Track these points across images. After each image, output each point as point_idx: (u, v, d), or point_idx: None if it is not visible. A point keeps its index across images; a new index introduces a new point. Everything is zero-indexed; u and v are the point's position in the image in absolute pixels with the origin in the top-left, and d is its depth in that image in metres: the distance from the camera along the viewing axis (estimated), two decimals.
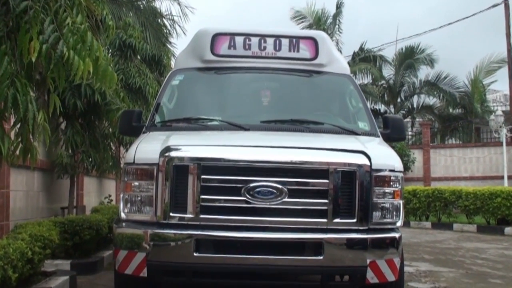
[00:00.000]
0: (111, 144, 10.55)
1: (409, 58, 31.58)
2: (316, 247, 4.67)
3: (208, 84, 6.51)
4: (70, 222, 7.55)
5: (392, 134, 6.02)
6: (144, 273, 4.68)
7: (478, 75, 30.43)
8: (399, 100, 33.08)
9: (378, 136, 5.85)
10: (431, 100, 33.15)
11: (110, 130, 10.10)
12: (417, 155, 27.04)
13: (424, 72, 32.12)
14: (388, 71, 33.46)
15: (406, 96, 33.04)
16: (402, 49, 32.17)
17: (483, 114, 30.06)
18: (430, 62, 31.83)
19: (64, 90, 8.51)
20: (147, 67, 13.63)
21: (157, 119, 5.95)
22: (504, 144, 24.74)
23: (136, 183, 4.81)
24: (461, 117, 31.95)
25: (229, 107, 6.27)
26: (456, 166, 27.01)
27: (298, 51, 6.44)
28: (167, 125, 5.81)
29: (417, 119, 33.03)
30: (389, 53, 33.51)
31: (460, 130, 32.02)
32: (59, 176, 9.15)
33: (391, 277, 4.83)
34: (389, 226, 4.93)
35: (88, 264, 7.59)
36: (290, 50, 6.43)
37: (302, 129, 5.63)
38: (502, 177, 24.06)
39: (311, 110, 6.27)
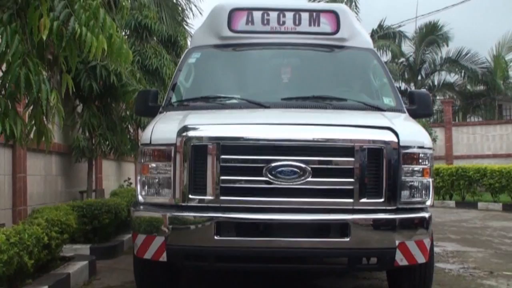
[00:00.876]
0: (129, 126, 10.41)
1: (431, 34, 31.00)
2: (342, 228, 4.45)
3: (226, 62, 6.29)
4: (89, 206, 7.41)
5: (419, 110, 5.77)
6: (163, 257, 4.51)
7: (500, 50, 29.83)
8: (419, 77, 32.60)
9: (404, 112, 5.60)
10: (452, 78, 32.66)
11: (128, 112, 9.94)
12: (438, 133, 26.60)
13: (444, 49, 31.57)
14: (407, 49, 32.97)
15: (427, 74, 32.55)
16: (423, 25, 31.61)
17: (506, 90, 29.51)
18: (446, 39, 31.22)
19: (80, 72, 8.41)
20: (163, 48, 13.43)
21: (174, 98, 5.75)
22: None
23: (153, 165, 4.63)
24: (483, 94, 31.42)
25: (248, 84, 6.06)
26: (479, 144, 26.59)
27: (318, 25, 6.19)
28: (184, 105, 5.60)
29: (437, 97, 32.55)
30: (409, 31, 32.75)
31: (482, 108, 31.50)
32: (77, 159, 9.00)
33: (421, 259, 4.62)
34: (418, 206, 4.70)
35: (107, 248, 7.46)
36: (310, 25, 6.18)
37: (325, 106, 5.40)
38: None
39: (334, 86, 6.03)
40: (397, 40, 32.48)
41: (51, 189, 8.47)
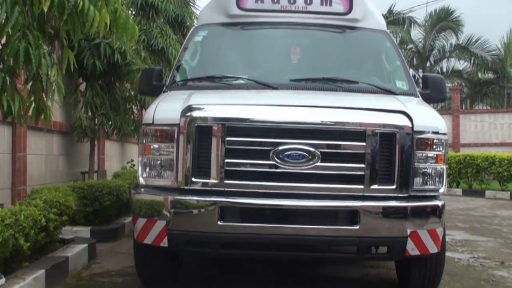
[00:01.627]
0: (133, 107, 10.21)
1: (443, 20, 30.56)
2: (352, 215, 4.27)
3: (233, 41, 6.06)
4: (90, 187, 7.23)
5: (432, 95, 5.57)
6: (164, 243, 4.33)
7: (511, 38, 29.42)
8: (428, 64, 32.24)
9: (418, 96, 5.40)
10: (461, 65, 32.28)
11: (132, 92, 9.74)
12: (446, 120, 25.81)
13: (453, 36, 31.13)
14: (417, 35, 32.58)
15: (436, 60, 32.19)
16: (434, 11, 31.21)
17: None
18: (458, 25, 30.80)
19: (83, 50, 8.23)
20: (170, 28, 13.21)
21: (179, 77, 5.56)
22: None
23: (156, 146, 4.44)
24: (492, 82, 31.05)
25: (256, 65, 5.83)
26: (487, 132, 26.30)
27: (330, 4, 5.96)
28: (189, 84, 5.40)
29: (446, 85, 32.12)
30: (419, 16, 32.36)
31: (490, 96, 31.14)
32: (79, 139, 8.81)
33: (433, 249, 4.44)
34: (431, 194, 4.52)
35: (108, 231, 7.29)
36: (322, 4, 5.96)
37: (335, 88, 5.19)
38: None
39: (345, 68, 5.80)
40: (406, 26, 32.10)
41: (52, 169, 8.29)
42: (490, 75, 31.29)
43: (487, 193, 16.46)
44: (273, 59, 5.89)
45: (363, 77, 5.57)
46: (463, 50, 30.77)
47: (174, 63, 5.94)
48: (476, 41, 30.37)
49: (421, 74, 30.20)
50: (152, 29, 12.32)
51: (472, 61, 30.97)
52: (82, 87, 8.92)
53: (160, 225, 4.32)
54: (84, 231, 7.05)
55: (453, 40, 31.30)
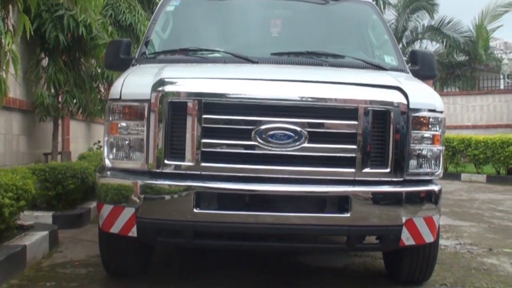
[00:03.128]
0: (100, 86, 9.65)
1: (416, 1, 30.27)
2: (342, 202, 3.88)
3: (209, 11, 5.56)
4: (52, 169, 6.70)
5: (422, 71, 5.17)
6: (133, 232, 3.90)
7: (483, 20, 29.29)
8: (400, 45, 31.91)
9: (408, 72, 5.00)
10: (434, 46, 32.10)
11: (99, 70, 9.18)
12: None
13: (427, 17, 30.89)
14: (390, 16, 32.26)
15: (408, 42, 31.90)
16: None
17: (488, 60, 29.10)
18: (431, 6, 30.55)
19: (45, 22, 7.63)
20: (138, 4, 12.59)
21: (149, 50, 5.06)
22: None
23: (123, 124, 3.98)
24: (463, 64, 30.95)
25: (233, 37, 5.35)
26: (459, 114, 26.15)
27: None
28: (160, 58, 4.92)
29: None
30: None
31: (462, 78, 31.06)
32: (41, 118, 8.22)
33: (429, 238, 4.10)
34: (427, 178, 4.16)
35: (72, 217, 6.78)
36: None
37: (320, 62, 4.76)
38: (506, 126, 23.30)
39: (329, 42, 5.37)
40: (380, 7, 31.76)
41: (11, 150, 7.70)
42: (462, 57, 31.15)
43: (463, 176, 16.25)
44: (252, 32, 5.43)
45: (349, 51, 5.17)
46: (435, 31, 30.56)
47: (144, 35, 5.43)
48: (449, 22, 30.18)
49: None
50: (119, 3, 11.69)
51: (444, 43, 30.80)
52: (45, 62, 8.32)
53: (128, 212, 3.88)
54: (45, 217, 6.55)
55: (425, 22, 31.08)
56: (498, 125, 24.62)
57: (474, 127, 25.29)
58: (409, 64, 5.31)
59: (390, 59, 5.18)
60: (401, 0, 31.15)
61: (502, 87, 27.71)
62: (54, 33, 7.65)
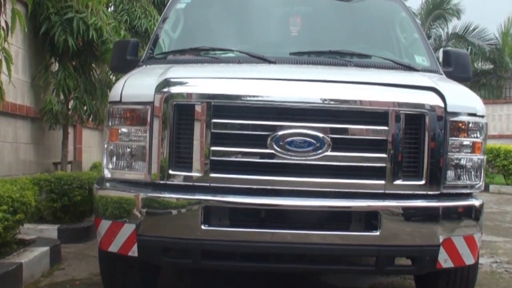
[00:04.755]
0: None
1: (438, 8, 29.66)
2: (370, 218, 3.42)
3: (222, 9, 5.13)
4: (58, 180, 6.30)
5: (456, 73, 4.67)
6: (133, 251, 3.47)
7: (509, 27, 28.61)
8: None
9: (441, 74, 4.52)
10: None
11: (112, 76, 8.80)
12: None
13: (451, 24, 30.29)
14: None
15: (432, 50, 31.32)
16: None
17: None
18: (457, 12, 29.92)
19: (54, 25, 7.28)
20: (154, 9, 12.24)
21: (157, 50, 4.65)
22: None
23: (124, 130, 3.57)
24: (489, 72, 30.22)
25: (248, 37, 4.90)
26: None
27: None
28: (169, 58, 4.50)
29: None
30: (414, 5, 31.37)
31: (488, 86, 30.32)
32: (51, 126, 7.84)
33: (469, 259, 3.61)
34: (467, 191, 3.68)
35: (78, 230, 6.36)
36: None
37: (344, 63, 4.28)
38: None
39: (354, 41, 4.90)
40: None
41: (19, 159, 7.32)
42: (488, 66, 30.43)
43: (491, 187, 15.60)
44: (269, 30, 4.98)
45: (376, 51, 4.68)
46: (460, 39, 29.91)
47: (152, 35, 5.01)
48: (474, 29, 29.56)
49: None
50: (135, 9, 11.37)
51: (469, 50, 30.08)
52: (54, 68, 7.96)
53: (128, 229, 3.45)
54: (50, 230, 6.14)
55: (449, 29, 30.45)
56: None
57: (500, 136, 24.56)
58: (441, 66, 4.82)
59: (421, 59, 4.70)
60: (424, 7, 30.54)
61: None
62: (63, 36, 7.30)
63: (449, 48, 5.34)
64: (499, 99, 27.33)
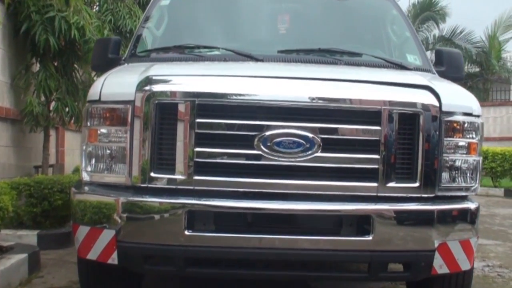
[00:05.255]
0: None
1: (426, 10, 29.66)
2: (362, 222, 3.27)
3: (208, 5, 4.96)
4: (38, 184, 6.09)
5: (448, 73, 4.53)
6: (113, 259, 3.30)
7: (496, 30, 28.68)
8: None
9: (434, 73, 4.37)
10: None
11: (95, 77, 8.58)
12: None
13: (439, 26, 30.32)
14: None
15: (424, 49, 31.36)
16: (417, 1, 30.31)
17: (501, 71, 28.44)
18: (443, 16, 29.99)
19: (34, 24, 7.07)
20: (139, 9, 12.02)
21: (139, 48, 4.47)
22: None
23: (103, 130, 3.39)
24: (476, 75, 30.27)
25: (235, 34, 4.75)
26: None
27: None
28: (152, 56, 4.35)
29: None
30: (402, 7, 31.36)
31: (474, 89, 30.34)
32: (32, 128, 7.62)
33: (465, 265, 3.48)
34: (462, 193, 3.54)
35: (59, 236, 6.11)
36: None
37: (334, 61, 4.12)
38: None
39: (344, 39, 4.75)
40: None
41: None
42: (474, 69, 30.49)
43: (479, 189, 15.52)
44: (256, 28, 4.84)
45: (367, 49, 4.52)
46: (447, 41, 29.90)
47: (134, 32, 4.84)
48: (461, 32, 29.62)
49: None
50: (119, 9, 11.12)
51: None
52: (35, 68, 7.74)
53: (107, 235, 3.28)
54: (30, 236, 5.91)
55: (436, 31, 30.49)
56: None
57: (487, 139, 24.44)
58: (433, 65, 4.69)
59: (413, 58, 4.56)
60: (411, 10, 30.56)
61: None
62: (44, 36, 7.10)
63: (441, 47, 5.21)
64: (485, 102, 27.32)
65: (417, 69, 4.29)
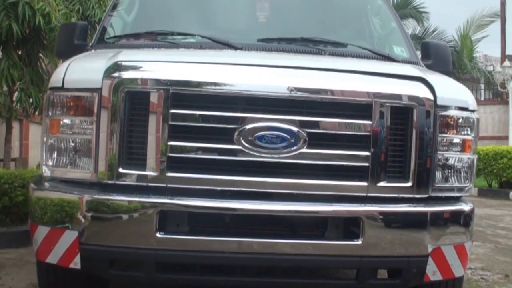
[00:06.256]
0: None
1: (403, 8, 29.59)
2: (351, 225, 3.03)
3: None
4: None
5: (435, 66, 4.28)
6: (76, 263, 3.00)
7: (468, 29, 28.77)
8: None
9: (422, 66, 4.14)
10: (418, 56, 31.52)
11: None
12: None
13: (411, 25, 30.30)
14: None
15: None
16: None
17: (472, 71, 28.58)
18: (420, 14, 29.99)
19: None
20: None
21: (108, 34, 4.14)
22: (511, 98, 23.05)
23: (67, 121, 3.09)
24: (447, 73, 30.35)
25: (211, 22, 4.43)
26: None
27: None
28: (122, 42, 4.01)
29: None
30: None
31: None
32: None
33: (459, 271, 3.29)
34: (456, 194, 3.32)
35: (20, 234, 5.75)
36: None
37: (318, 51, 3.84)
38: (491, 138, 22.69)
39: (327, 29, 4.47)
40: None
41: None
42: None
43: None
44: (234, 16, 4.52)
45: (351, 40, 4.26)
46: (419, 40, 29.83)
47: (103, 17, 4.51)
48: (433, 31, 29.60)
49: None
50: None
51: None
52: None
53: (69, 237, 2.98)
54: None
55: (409, 30, 30.46)
56: (483, 137, 23.95)
57: None
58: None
59: (400, 50, 4.32)
60: None
61: (482, 98, 27.22)
62: (6, 22, 6.69)
63: (428, 40, 4.98)
64: None
65: (404, 61, 4.05)
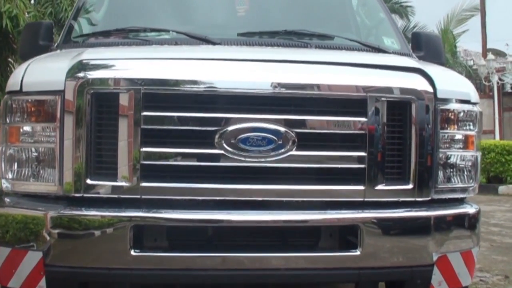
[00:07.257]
0: None
1: (386, 3, 29.52)
2: (348, 234, 2.76)
3: None
4: None
5: (427, 58, 4.01)
6: (41, 287, 2.64)
7: (449, 24, 28.75)
8: None
9: (414, 57, 3.86)
10: None
11: None
12: None
13: (398, 20, 30.20)
14: None
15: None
16: None
17: (454, 65, 28.54)
18: (404, 9, 29.93)
19: None
20: None
21: (75, 33, 3.82)
22: (496, 92, 22.99)
23: (27, 128, 2.80)
24: None
25: (186, 17, 4.14)
26: None
27: None
28: (90, 41, 3.68)
29: None
30: None
31: None
32: None
33: (466, 280, 3.01)
34: (460, 195, 3.05)
35: None
36: None
37: (303, 44, 3.54)
38: (483, 132, 22.64)
39: (312, 21, 4.17)
40: None
41: None
42: None
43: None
44: (211, 10, 4.22)
45: (338, 32, 3.97)
46: None
47: (69, 16, 4.19)
48: (414, 27, 29.49)
49: None
50: (60, 0, 10.42)
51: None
52: None
53: (33, 258, 2.69)
54: None
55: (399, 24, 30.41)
56: None
57: None
58: None
59: (390, 42, 4.04)
60: None
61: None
62: None
63: (419, 31, 4.74)
64: None
65: (396, 53, 3.77)
